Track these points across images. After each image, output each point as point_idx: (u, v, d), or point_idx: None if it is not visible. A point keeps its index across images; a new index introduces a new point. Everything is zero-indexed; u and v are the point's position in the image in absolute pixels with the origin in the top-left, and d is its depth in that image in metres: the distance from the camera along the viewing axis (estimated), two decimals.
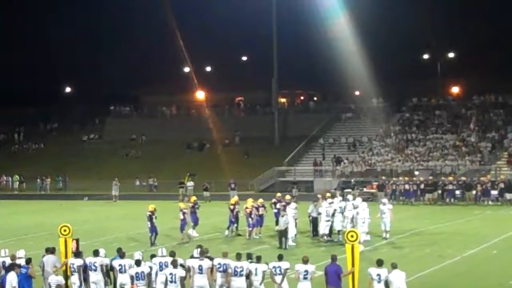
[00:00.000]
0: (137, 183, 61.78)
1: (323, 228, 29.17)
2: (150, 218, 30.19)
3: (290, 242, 28.39)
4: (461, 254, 26.18)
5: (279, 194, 34.00)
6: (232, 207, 32.35)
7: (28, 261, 18.66)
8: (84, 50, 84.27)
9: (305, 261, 17.49)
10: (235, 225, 32.35)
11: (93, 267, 18.51)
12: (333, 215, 29.06)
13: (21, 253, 19.39)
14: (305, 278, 17.23)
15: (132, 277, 17.91)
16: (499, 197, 45.29)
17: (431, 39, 71.49)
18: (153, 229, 30.13)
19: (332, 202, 29.75)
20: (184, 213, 31.00)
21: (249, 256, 18.47)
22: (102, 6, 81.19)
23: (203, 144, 70.34)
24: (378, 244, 28.38)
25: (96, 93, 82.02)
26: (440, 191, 46.50)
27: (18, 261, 18.71)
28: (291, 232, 28.77)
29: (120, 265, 18.42)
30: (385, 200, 31.71)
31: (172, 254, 18.62)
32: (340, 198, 32.18)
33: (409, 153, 58.17)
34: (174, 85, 75.71)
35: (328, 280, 17.41)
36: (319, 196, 31.76)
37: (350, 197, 32.04)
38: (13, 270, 17.61)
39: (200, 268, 17.87)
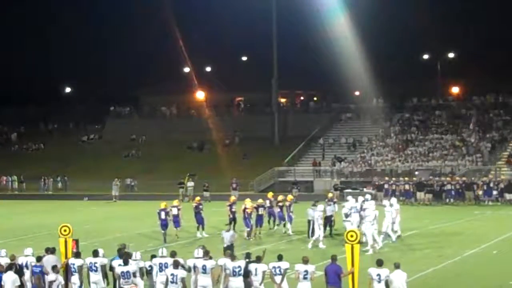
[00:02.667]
0: (118, 183, 61.92)
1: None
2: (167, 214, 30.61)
3: (321, 245, 27.99)
4: (461, 254, 26.16)
5: (271, 194, 34.07)
6: (229, 207, 32.47)
7: (39, 259, 18.69)
8: (84, 50, 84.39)
9: (305, 261, 17.49)
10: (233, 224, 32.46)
11: (93, 268, 18.48)
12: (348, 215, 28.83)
13: (28, 251, 19.33)
14: (305, 278, 17.23)
15: (118, 276, 17.91)
16: (499, 197, 45.27)
17: (431, 39, 71.52)
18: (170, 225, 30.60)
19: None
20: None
21: (247, 256, 18.44)
22: (102, 6, 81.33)
23: (203, 144, 70.34)
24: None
25: (96, 93, 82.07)
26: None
27: (26, 259, 18.77)
28: (317, 234, 28.30)
29: (120, 265, 18.41)
30: (391, 201, 31.07)
31: (172, 254, 18.59)
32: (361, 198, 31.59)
33: (409, 153, 58.20)
34: (174, 85, 75.74)
35: (328, 280, 17.39)
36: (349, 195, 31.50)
37: (349, 197, 32.06)
38: (10, 270, 17.57)
39: (204, 268, 17.87)
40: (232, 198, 33.81)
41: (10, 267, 17.82)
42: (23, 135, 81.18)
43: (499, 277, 22.25)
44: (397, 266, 17.03)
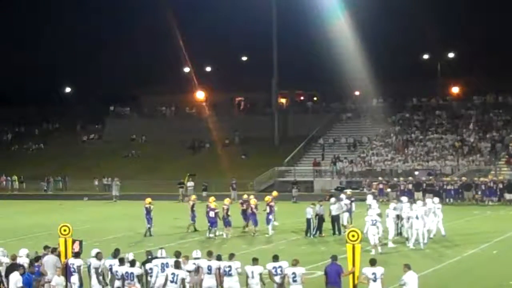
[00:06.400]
0: (96, 182, 62.21)
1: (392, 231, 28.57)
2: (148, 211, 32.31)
3: (390, 245, 27.67)
4: (461, 254, 26.17)
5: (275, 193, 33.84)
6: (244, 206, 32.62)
7: (38, 258, 18.65)
8: (84, 50, 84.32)
9: (294, 264, 17.35)
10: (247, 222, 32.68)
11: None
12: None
13: (22, 252, 19.26)
14: (294, 281, 17.09)
15: (122, 277, 17.82)
16: (499, 197, 45.25)
17: (431, 39, 71.47)
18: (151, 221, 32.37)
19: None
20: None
21: (219, 257, 18.29)
22: (102, 6, 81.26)
23: (195, 144, 70.21)
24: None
25: (96, 93, 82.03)
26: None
27: (19, 260, 18.62)
28: (391, 234, 28.02)
29: (110, 265, 18.35)
30: (433, 200, 30.79)
31: (176, 254, 18.54)
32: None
33: (409, 153, 58.19)
34: (174, 85, 75.69)
35: (328, 280, 17.37)
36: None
37: (342, 196, 32.37)
38: (16, 270, 17.55)
39: (209, 269, 17.80)
40: (244, 196, 33.94)
41: (16, 267, 17.81)
42: (23, 135, 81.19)
43: (499, 277, 22.25)
44: (409, 267, 16.96)
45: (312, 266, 22.99)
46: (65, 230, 19.32)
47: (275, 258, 17.85)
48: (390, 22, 70.01)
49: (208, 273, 17.81)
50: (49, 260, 18.79)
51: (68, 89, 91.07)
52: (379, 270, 16.90)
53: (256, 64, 76.16)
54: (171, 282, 17.20)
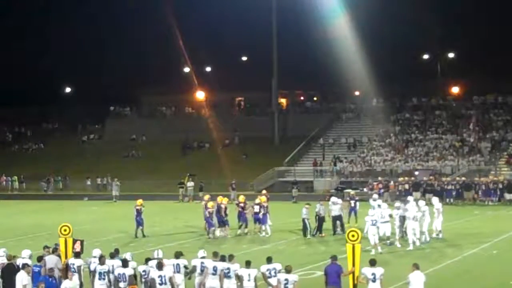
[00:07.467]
0: (88, 182, 62.18)
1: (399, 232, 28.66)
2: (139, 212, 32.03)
3: (397, 244, 27.79)
4: (461, 254, 26.16)
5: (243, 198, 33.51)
6: (242, 205, 32.52)
7: (40, 258, 18.63)
8: (84, 50, 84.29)
9: (288, 270, 17.09)
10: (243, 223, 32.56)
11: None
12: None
13: (25, 253, 19.13)
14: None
15: (115, 278, 17.72)
16: (499, 197, 45.24)
17: (431, 39, 71.45)
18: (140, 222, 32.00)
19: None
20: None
21: (223, 258, 18.14)
22: (102, 6, 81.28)
23: (187, 144, 70.16)
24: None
25: (96, 93, 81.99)
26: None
27: (23, 261, 18.50)
28: (397, 233, 28.07)
29: (108, 265, 18.29)
30: (432, 201, 31.08)
31: (177, 255, 18.42)
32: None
33: (409, 153, 58.20)
34: (174, 85, 75.66)
35: (328, 280, 17.35)
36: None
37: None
38: (23, 270, 17.50)
39: (215, 269, 17.67)
40: (240, 197, 33.96)
41: (13, 267, 17.76)
42: (23, 135, 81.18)
43: (499, 276, 22.25)
44: (417, 267, 16.87)
45: (312, 266, 23.02)
46: (65, 230, 19.31)
47: (269, 260, 17.63)
48: (390, 22, 70.05)
49: (213, 274, 17.68)
50: (50, 261, 18.76)
51: (68, 89, 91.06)
52: (378, 270, 16.88)
53: (256, 64, 76.12)
54: (160, 284, 17.05)
